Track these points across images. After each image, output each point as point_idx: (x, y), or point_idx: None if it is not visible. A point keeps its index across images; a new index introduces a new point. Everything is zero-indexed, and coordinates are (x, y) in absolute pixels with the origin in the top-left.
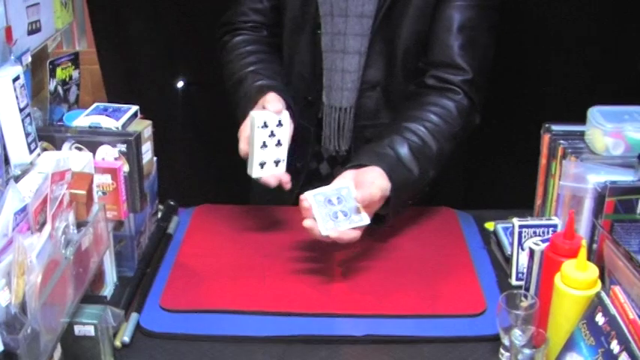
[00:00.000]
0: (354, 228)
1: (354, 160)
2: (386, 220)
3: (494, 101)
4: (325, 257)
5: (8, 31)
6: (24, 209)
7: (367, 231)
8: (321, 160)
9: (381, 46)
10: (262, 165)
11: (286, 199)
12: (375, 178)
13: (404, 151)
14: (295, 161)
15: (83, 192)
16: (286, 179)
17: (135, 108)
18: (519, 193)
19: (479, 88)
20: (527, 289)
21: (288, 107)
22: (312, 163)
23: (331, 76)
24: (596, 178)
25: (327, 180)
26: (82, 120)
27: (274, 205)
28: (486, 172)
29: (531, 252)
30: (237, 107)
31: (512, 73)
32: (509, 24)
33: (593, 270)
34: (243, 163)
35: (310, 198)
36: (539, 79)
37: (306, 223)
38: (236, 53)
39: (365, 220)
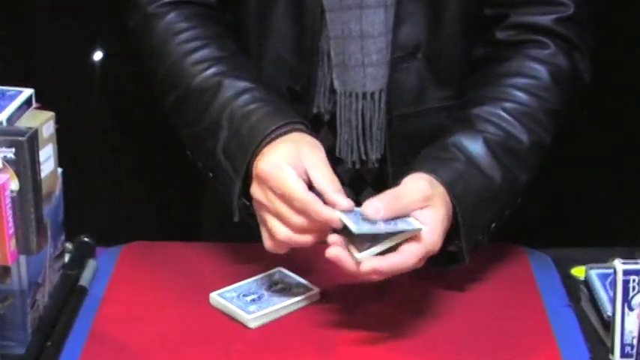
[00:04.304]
0: (403, 254)
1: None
2: (459, 258)
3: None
4: (322, 316)
5: None
6: None
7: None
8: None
9: None
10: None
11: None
12: (422, 185)
13: (477, 149)
14: None
15: None
16: None
17: (28, 92)
18: (621, 225)
19: (584, 28)
20: None
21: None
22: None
23: (344, 47)
24: None
25: None
26: None
27: (240, 243)
28: (572, 195)
29: None
30: (205, 117)
31: (618, 74)
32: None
33: None
34: (193, 182)
35: (342, 215)
36: None
37: (331, 251)
38: (184, 37)
39: (415, 224)
